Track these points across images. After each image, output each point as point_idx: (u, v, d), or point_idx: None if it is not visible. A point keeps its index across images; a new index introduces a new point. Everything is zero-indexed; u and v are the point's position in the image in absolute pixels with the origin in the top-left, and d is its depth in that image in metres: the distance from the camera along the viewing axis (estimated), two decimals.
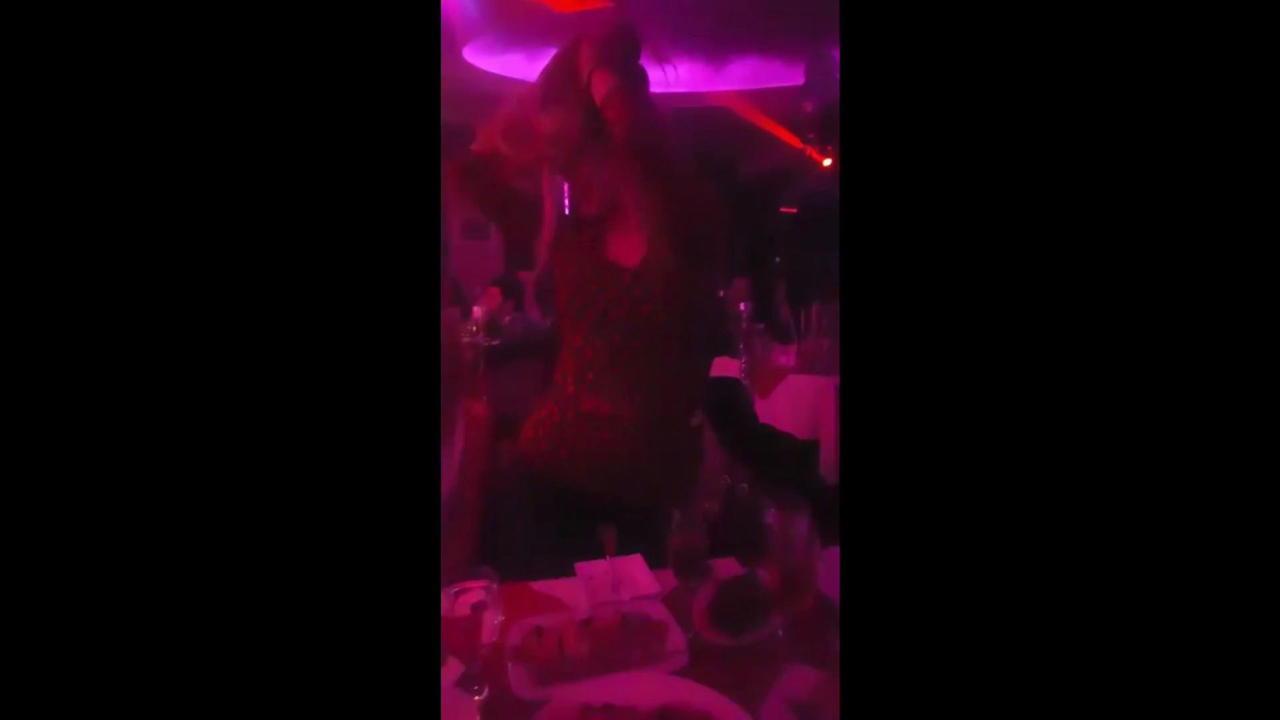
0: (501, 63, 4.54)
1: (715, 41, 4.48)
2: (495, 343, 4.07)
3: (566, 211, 1.31)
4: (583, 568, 1.12)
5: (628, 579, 1.11)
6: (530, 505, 1.30)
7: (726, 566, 1.10)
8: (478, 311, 4.20)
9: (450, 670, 0.89)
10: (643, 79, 1.23)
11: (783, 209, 5.93)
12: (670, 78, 1.25)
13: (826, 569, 0.98)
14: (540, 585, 1.12)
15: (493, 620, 0.82)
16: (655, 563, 1.11)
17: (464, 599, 0.83)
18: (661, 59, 1.25)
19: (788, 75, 4.87)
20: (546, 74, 1.24)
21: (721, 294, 2.91)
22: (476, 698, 0.83)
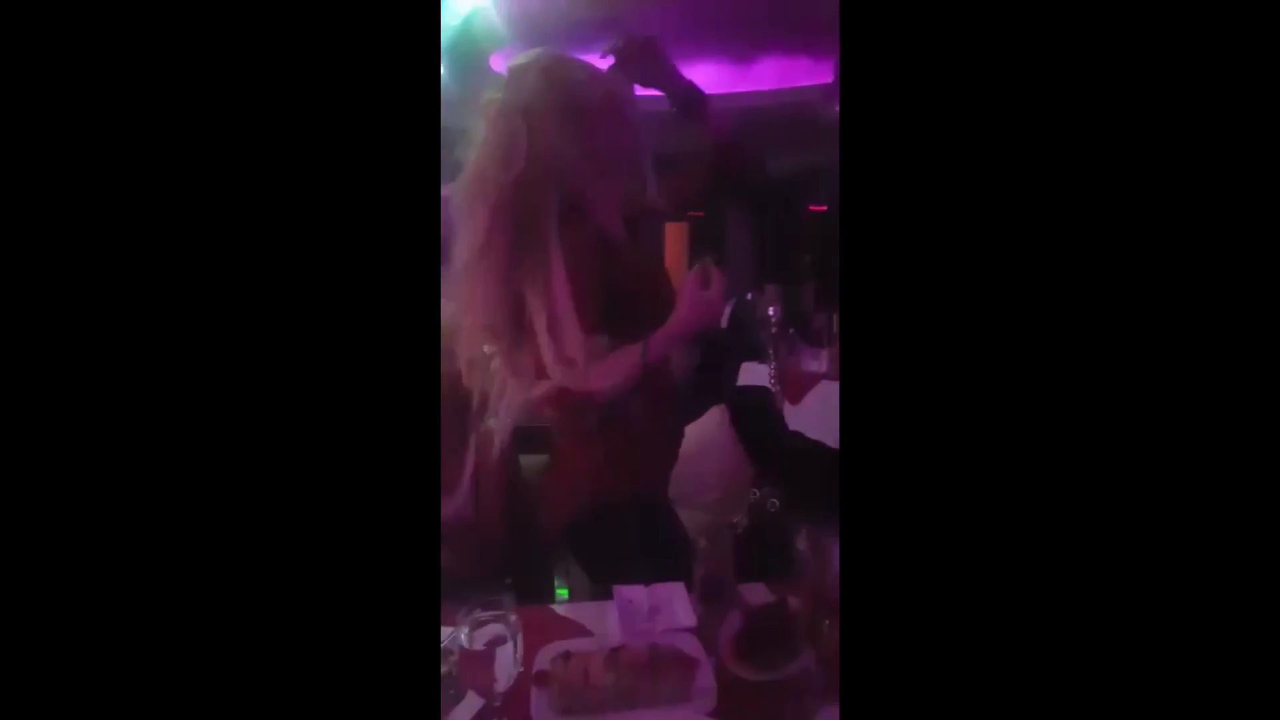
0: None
1: (739, 41, 4.42)
2: None
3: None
4: (621, 591, 1.08)
5: (665, 608, 1.07)
6: None
7: (755, 592, 1.06)
8: None
9: (469, 705, 0.86)
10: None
11: (812, 207, 5.83)
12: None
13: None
14: (566, 609, 1.09)
15: (509, 656, 0.79)
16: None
17: (480, 633, 0.80)
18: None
19: (816, 74, 4.80)
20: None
21: (750, 297, 2.86)
22: None
